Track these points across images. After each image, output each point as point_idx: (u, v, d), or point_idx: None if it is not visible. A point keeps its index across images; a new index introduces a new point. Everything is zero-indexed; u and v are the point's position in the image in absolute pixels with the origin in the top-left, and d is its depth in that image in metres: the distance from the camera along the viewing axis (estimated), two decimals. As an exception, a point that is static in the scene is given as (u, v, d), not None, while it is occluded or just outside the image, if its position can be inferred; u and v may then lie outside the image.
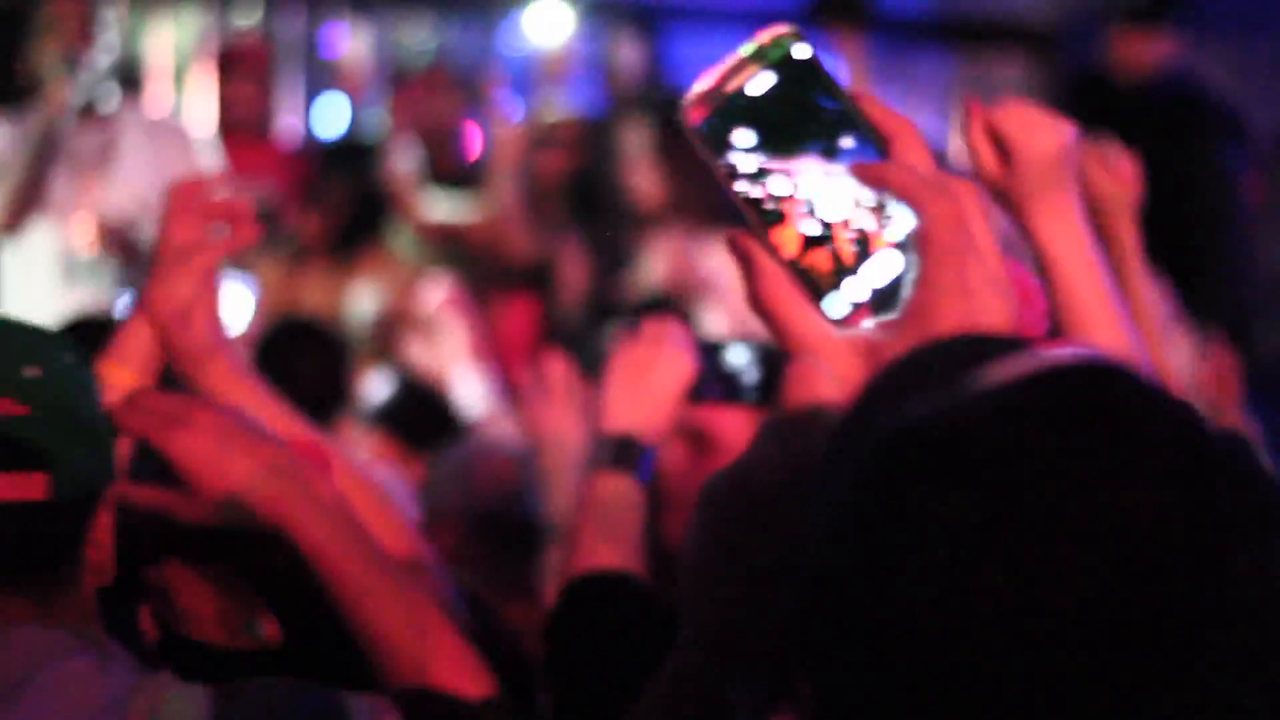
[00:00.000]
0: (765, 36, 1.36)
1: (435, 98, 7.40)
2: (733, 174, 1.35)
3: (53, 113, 5.55)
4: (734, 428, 2.90)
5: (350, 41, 8.04)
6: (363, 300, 6.46)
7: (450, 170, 7.27)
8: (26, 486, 1.92)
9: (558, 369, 3.04)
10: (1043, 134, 2.23)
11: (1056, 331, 2.21)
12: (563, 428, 3.02)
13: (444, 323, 5.12)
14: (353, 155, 7.27)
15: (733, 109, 1.35)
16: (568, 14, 7.71)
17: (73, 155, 5.62)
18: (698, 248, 5.71)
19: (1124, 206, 2.83)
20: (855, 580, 1.14)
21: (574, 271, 6.84)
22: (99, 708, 1.86)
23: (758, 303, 1.39)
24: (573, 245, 6.94)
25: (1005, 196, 2.23)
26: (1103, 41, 6.75)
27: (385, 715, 1.91)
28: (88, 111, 5.66)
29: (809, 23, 8.01)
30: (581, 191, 7.21)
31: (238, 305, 5.58)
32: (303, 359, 4.81)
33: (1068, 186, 2.24)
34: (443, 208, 7.11)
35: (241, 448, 1.96)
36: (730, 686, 1.46)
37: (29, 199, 5.51)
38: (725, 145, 1.35)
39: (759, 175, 1.35)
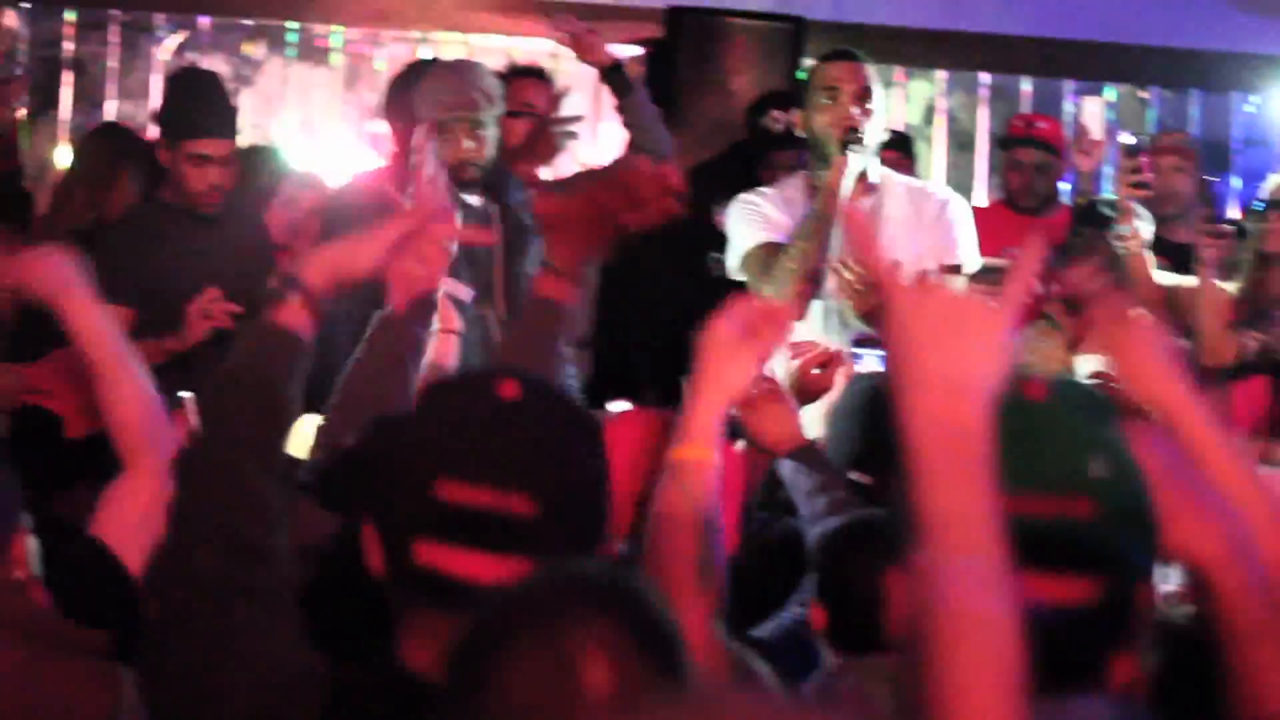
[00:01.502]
0: None
1: (1163, 168, 7.40)
2: None
3: (834, 184, 5.67)
4: None
5: (1089, 107, 8.09)
6: (1086, 365, 6.49)
7: (1169, 241, 7.23)
8: (1074, 590, 1.81)
9: None
10: None
11: None
12: None
13: None
14: (1088, 219, 7.29)
15: None
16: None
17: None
18: None
19: None
20: None
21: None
22: None
23: None
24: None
25: None
26: None
27: None
28: (860, 178, 5.78)
29: None
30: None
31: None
32: None
33: None
34: (1169, 276, 7.08)
35: None
36: None
37: (811, 268, 5.63)
38: None
39: None
